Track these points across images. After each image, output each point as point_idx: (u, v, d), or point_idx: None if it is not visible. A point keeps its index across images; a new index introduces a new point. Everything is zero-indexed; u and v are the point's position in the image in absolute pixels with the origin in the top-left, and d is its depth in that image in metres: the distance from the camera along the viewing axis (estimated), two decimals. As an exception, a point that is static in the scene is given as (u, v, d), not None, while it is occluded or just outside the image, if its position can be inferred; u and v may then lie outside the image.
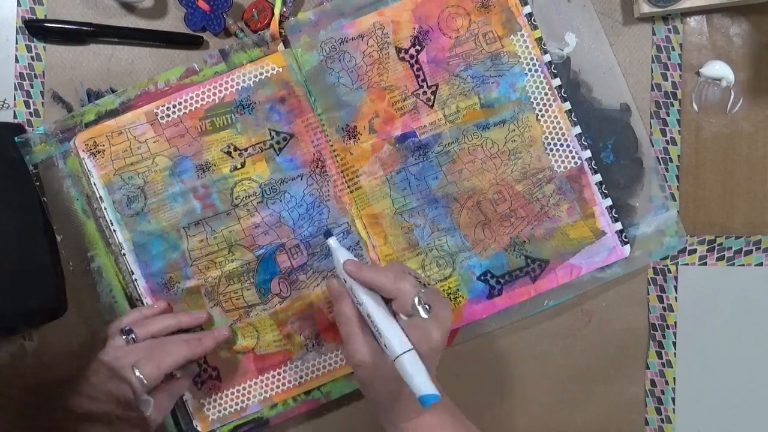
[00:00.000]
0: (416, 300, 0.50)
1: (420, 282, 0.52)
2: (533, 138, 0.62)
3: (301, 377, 0.62)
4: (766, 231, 0.63)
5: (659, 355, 0.64)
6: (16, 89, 0.64)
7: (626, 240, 0.62)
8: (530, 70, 0.62)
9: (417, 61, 0.62)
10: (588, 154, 0.62)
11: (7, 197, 0.60)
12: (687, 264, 0.64)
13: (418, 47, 0.62)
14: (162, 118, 0.61)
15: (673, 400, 0.64)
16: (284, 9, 0.62)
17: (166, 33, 0.63)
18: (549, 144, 0.62)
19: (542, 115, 0.62)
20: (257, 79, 0.61)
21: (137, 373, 0.55)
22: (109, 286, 0.62)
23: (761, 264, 0.64)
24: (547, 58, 0.62)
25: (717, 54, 0.63)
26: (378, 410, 0.53)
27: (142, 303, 0.62)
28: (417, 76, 0.62)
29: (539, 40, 0.62)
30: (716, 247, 0.64)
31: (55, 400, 0.55)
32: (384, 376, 0.50)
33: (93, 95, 0.63)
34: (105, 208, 0.62)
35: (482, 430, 0.65)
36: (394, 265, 0.54)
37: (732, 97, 0.63)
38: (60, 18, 0.64)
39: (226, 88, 0.61)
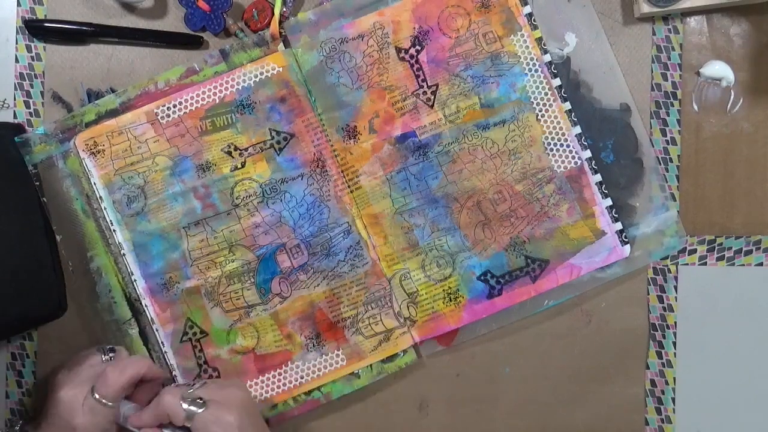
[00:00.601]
0: (182, 404, 0.53)
1: (190, 384, 0.56)
2: (533, 138, 0.62)
3: (301, 377, 0.62)
4: (766, 231, 0.63)
5: (659, 355, 0.64)
6: (16, 89, 0.64)
7: (626, 240, 0.62)
8: (530, 70, 0.62)
9: (417, 61, 0.62)
10: (588, 154, 0.62)
11: (7, 197, 0.60)
12: (687, 264, 0.64)
13: (418, 47, 0.62)
14: (162, 117, 0.61)
15: (673, 400, 0.64)
16: (284, 9, 0.62)
17: (166, 33, 0.63)
18: (549, 144, 0.62)
19: (542, 115, 0.62)
20: (258, 79, 0.61)
21: (95, 396, 0.55)
22: (108, 286, 0.62)
23: (761, 264, 0.64)
24: (547, 58, 0.62)
25: (717, 54, 0.63)
26: None
27: (141, 303, 0.62)
28: (417, 76, 0.62)
29: (539, 40, 0.62)
30: (716, 247, 0.64)
31: None
32: None
33: (93, 95, 0.63)
34: (105, 208, 0.61)
35: (482, 430, 0.65)
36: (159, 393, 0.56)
37: (732, 97, 0.63)
38: (60, 18, 0.64)
39: (227, 88, 0.61)
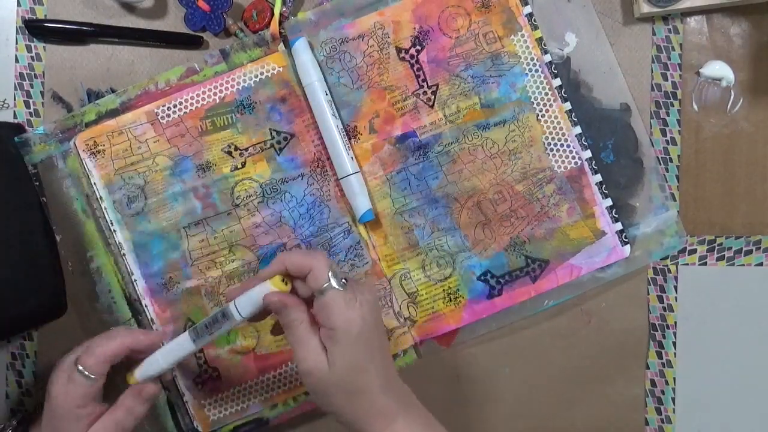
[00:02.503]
0: (330, 272, 0.49)
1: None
2: (533, 138, 0.62)
3: (301, 377, 0.62)
4: (766, 231, 0.63)
5: (659, 355, 0.64)
6: (16, 89, 0.64)
7: (626, 240, 0.62)
8: (530, 70, 0.62)
9: (417, 61, 0.62)
10: (588, 154, 0.62)
11: (7, 197, 0.60)
12: (687, 264, 0.64)
13: (418, 47, 0.62)
14: (162, 117, 0.61)
15: (673, 400, 0.64)
16: (284, 9, 0.62)
17: (166, 33, 0.63)
18: (549, 144, 0.62)
19: (542, 115, 0.62)
20: (258, 79, 0.61)
21: (79, 368, 0.52)
22: (108, 286, 0.62)
23: (761, 264, 0.64)
24: (547, 58, 0.62)
25: (717, 54, 0.63)
26: (341, 422, 0.51)
27: (141, 303, 0.62)
28: (417, 76, 0.62)
29: (539, 40, 0.62)
30: (716, 247, 0.64)
31: None
32: (338, 383, 0.49)
33: (93, 95, 0.63)
34: (105, 208, 0.61)
35: (482, 430, 0.65)
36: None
37: (732, 97, 0.63)
38: (60, 18, 0.64)
39: (227, 88, 0.61)
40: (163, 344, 0.55)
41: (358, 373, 0.49)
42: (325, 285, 0.48)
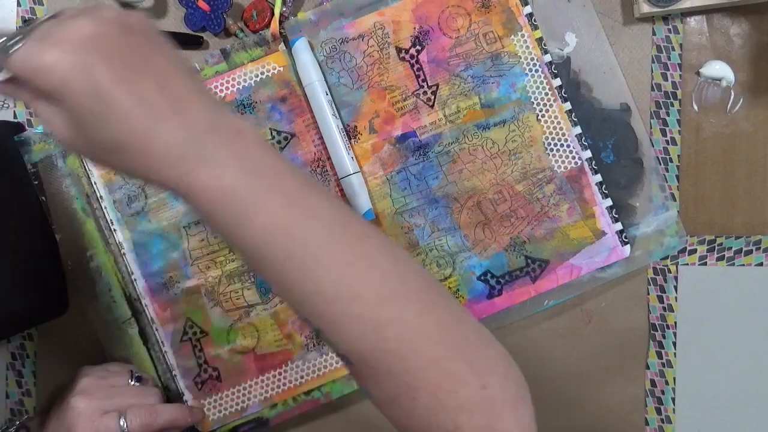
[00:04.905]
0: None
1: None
2: (533, 138, 0.62)
3: (301, 377, 0.62)
4: (766, 231, 0.63)
5: (659, 355, 0.64)
6: (16, 89, 0.64)
7: (626, 240, 0.62)
8: (531, 70, 0.62)
9: (417, 61, 0.62)
10: (588, 154, 0.62)
11: (6, 196, 0.60)
12: (687, 264, 0.64)
13: (418, 47, 0.62)
14: (162, 117, 0.61)
15: (673, 400, 0.64)
16: (284, 9, 0.62)
17: (165, 33, 0.63)
18: (549, 144, 0.62)
19: (542, 115, 0.62)
20: (258, 79, 0.61)
21: (121, 423, 0.53)
22: (108, 286, 0.62)
23: (761, 264, 0.64)
24: (547, 58, 0.62)
25: (717, 54, 0.63)
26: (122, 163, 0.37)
27: (141, 303, 0.62)
28: (417, 76, 0.62)
29: (540, 40, 0.62)
30: (716, 247, 0.64)
31: None
32: (89, 143, 0.36)
33: (93, 95, 0.63)
34: (105, 207, 0.61)
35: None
36: None
37: (732, 97, 0.63)
38: (60, 17, 0.64)
39: (227, 88, 0.61)
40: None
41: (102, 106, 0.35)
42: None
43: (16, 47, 0.35)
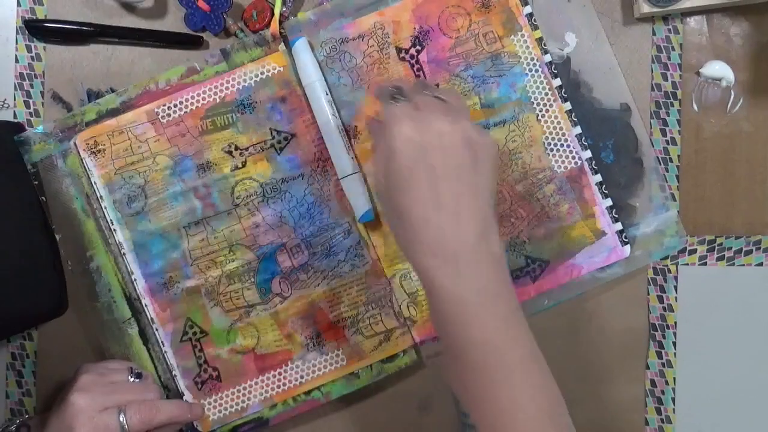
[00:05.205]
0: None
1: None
2: (533, 138, 0.62)
3: (301, 377, 0.62)
4: (766, 231, 0.63)
5: (659, 355, 0.64)
6: (16, 89, 0.64)
7: (626, 240, 0.62)
8: (531, 70, 0.62)
9: (417, 61, 0.62)
10: (588, 154, 0.62)
11: (6, 196, 0.60)
12: (687, 264, 0.64)
13: (418, 47, 0.62)
14: (163, 117, 0.61)
15: (673, 400, 0.64)
16: (284, 9, 0.62)
17: (166, 33, 0.63)
18: (549, 144, 0.62)
19: (542, 115, 0.62)
20: (258, 79, 0.61)
21: (121, 419, 0.54)
22: (107, 286, 0.62)
23: (761, 264, 0.64)
24: (547, 58, 0.62)
25: (717, 54, 0.63)
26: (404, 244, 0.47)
27: (141, 303, 0.62)
28: (417, 76, 0.62)
29: (540, 40, 0.62)
30: (716, 247, 0.64)
31: None
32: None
33: (93, 95, 0.63)
34: (105, 208, 0.61)
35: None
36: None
37: (732, 97, 0.63)
38: (60, 18, 0.64)
39: (227, 88, 0.61)
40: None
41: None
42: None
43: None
